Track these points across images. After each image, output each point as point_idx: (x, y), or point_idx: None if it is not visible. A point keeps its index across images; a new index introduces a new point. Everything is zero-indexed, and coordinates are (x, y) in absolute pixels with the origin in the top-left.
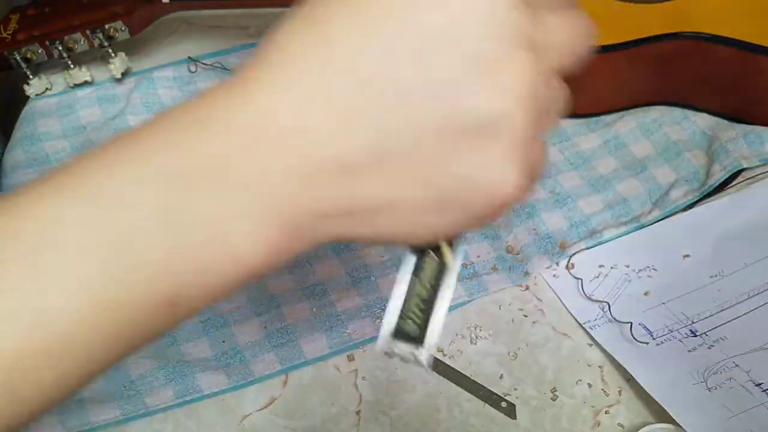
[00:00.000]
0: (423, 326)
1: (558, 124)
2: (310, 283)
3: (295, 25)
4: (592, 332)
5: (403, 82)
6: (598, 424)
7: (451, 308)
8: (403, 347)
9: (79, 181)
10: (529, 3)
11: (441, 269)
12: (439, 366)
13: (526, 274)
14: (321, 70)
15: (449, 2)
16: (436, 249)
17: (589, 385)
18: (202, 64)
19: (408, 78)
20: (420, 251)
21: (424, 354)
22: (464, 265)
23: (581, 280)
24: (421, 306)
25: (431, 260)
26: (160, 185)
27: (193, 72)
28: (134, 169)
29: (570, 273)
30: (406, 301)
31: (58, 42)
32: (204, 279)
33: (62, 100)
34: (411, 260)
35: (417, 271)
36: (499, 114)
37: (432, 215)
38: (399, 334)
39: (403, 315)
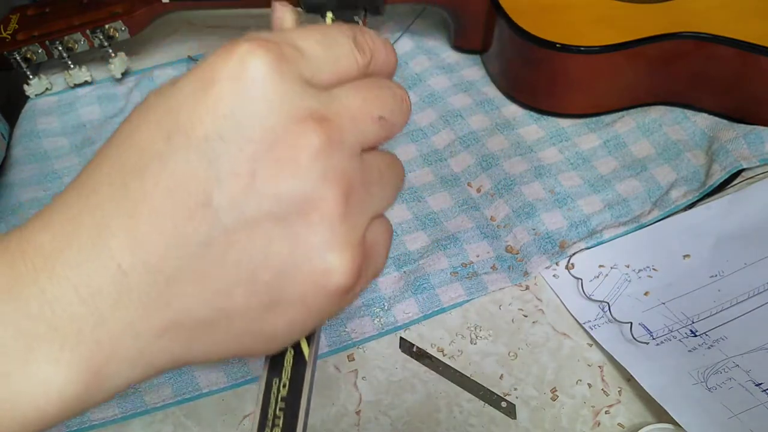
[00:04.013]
0: (287, 429)
1: (391, 199)
2: None
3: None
4: (592, 332)
5: (198, 196)
6: (598, 424)
7: (450, 308)
8: None
9: None
10: (311, 80)
11: (299, 363)
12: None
13: (526, 273)
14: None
15: (220, 107)
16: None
17: (589, 385)
18: None
19: (202, 188)
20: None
21: None
22: (463, 265)
23: (581, 280)
24: (282, 407)
25: (289, 355)
26: None
27: None
28: None
29: (570, 273)
30: (268, 406)
31: (58, 42)
32: (9, 411)
33: (62, 99)
34: (269, 360)
35: (277, 369)
36: (301, 194)
37: (271, 316)
38: None
39: (267, 422)
